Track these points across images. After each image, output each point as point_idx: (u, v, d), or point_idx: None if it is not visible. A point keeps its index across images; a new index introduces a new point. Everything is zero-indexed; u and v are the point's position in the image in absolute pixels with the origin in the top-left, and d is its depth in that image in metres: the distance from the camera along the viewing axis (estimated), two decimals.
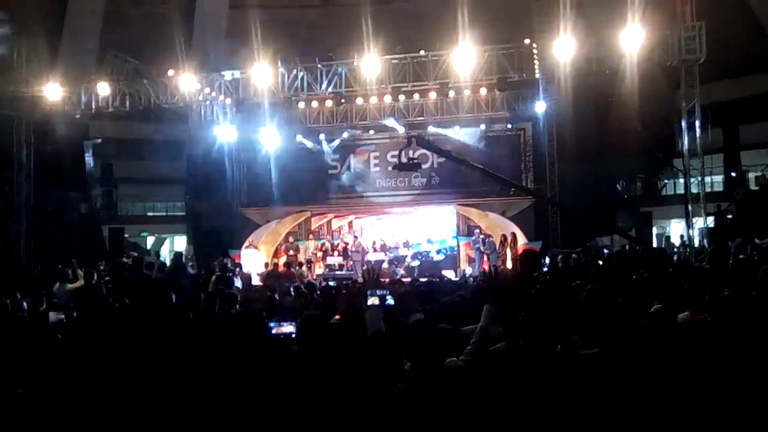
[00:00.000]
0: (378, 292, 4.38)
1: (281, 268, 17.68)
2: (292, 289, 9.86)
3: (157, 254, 23.95)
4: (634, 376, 3.56)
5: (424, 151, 19.58)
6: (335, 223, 23.83)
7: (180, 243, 28.96)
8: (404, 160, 16.70)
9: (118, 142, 27.66)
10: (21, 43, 18.57)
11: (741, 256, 10.74)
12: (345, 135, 23.00)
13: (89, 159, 25.27)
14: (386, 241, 21.93)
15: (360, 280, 16.83)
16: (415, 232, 22.46)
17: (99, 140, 25.69)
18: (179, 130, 25.53)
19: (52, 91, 18.46)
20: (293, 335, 4.02)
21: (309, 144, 23.05)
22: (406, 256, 20.80)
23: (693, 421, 3.30)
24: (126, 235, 24.37)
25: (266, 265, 18.83)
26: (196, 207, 25.79)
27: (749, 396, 3.54)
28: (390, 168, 23.55)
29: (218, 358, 3.93)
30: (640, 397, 3.39)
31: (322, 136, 23.04)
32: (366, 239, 22.48)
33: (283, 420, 3.16)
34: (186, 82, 17.81)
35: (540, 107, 20.66)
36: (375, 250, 21.40)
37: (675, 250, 19.08)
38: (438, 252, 21.04)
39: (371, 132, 23.20)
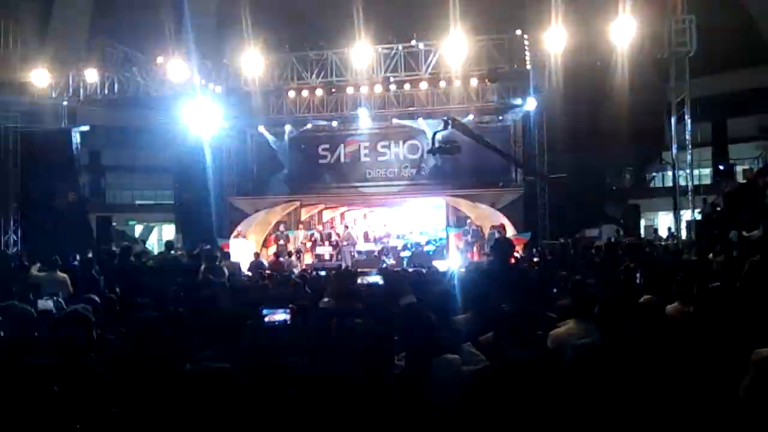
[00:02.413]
0: (369, 273, 4.38)
1: (269, 258, 17.68)
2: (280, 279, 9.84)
3: (144, 242, 23.84)
4: (630, 367, 3.58)
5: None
6: (327, 215, 23.79)
7: (168, 232, 28.82)
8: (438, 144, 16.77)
9: (106, 129, 27.42)
10: (9, 28, 18.35)
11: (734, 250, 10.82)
12: (334, 124, 23.00)
13: (77, 146, 25.05)
14: (377, 232, 21.95)
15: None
16: (406, 223, 22.49)
17: (87, 128, 25.45)
18: (168, 117, 25.33)
19: (40, 78, 18.28)
20: (287, 322, 4.03)
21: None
22: (396, 247, 20.85)
23: (683, 414, 3.33)
24: (114, 224, 24.24)
25: (255, 254, 18.80)
26: (185, 196, 25.65)
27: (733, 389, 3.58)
28: (379, 158, 23.59)
29: (213, 346, 3.93)
30: (635, 390, 3.41)
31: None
32: (357, 230, 22.50)
33: (276, 409, 3.17)
34: (175, 69, 17.69)
35: (530, 99, 20.69)
36: (366, 241, 21.43)
37: (662, 242, 19.19)
38: (428, 243, 21.09)
39: (361, 122, 23.18)
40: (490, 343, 4.66)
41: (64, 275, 9.42)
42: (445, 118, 17.10)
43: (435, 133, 16.81)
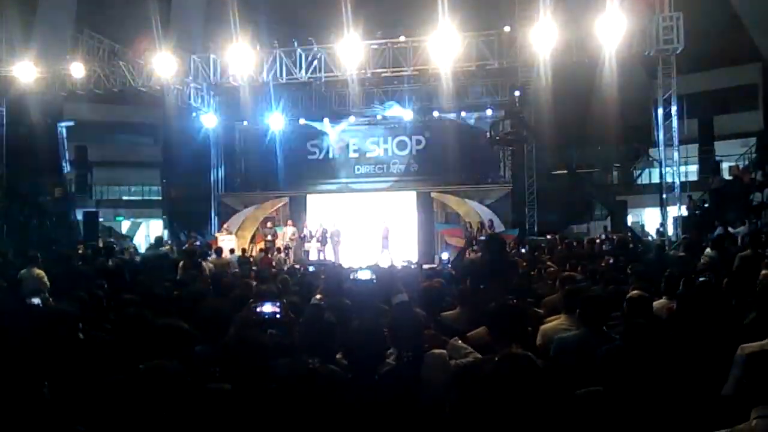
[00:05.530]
0: (360, 270, 4.35)
1: (257, 254, 17.60)
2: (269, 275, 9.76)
3: (131, 238, 23.71)
4: (616, 361, 3.59)
5: None
6: (318, 212, 23.61)
7: (156, 227, 28.66)
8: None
9: (92, 124, 27.21)
10: None
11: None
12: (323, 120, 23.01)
13: (63, 141, 24.82)
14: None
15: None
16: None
17: (73, 122, 25.24)
18: (155, 112, 25.19)
19: (26, 72, 18.10)
20: (277, 315, 3.99)
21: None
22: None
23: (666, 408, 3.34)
24: (101, 219, 24.06)
25: (243, 251, 18.72)
26: (173, 191, 25.52)
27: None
28: (367, 155, 23.56)
29: (200, 343, 3.91)
30: (620, 382, 3.43)
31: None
32: (348, 225, 22.40)
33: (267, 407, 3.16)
34: (163, 64, 17.57)
35: (518, 96, 20.70)
36: (356, 237, 21.33)
37: (650, 238, 19.28)
38: None
39: (350, 118, 23.16)
40: (484, 338, 4.67)
41: (42, 272, 9.27)
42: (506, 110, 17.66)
43: (493, 125, 17.20)
